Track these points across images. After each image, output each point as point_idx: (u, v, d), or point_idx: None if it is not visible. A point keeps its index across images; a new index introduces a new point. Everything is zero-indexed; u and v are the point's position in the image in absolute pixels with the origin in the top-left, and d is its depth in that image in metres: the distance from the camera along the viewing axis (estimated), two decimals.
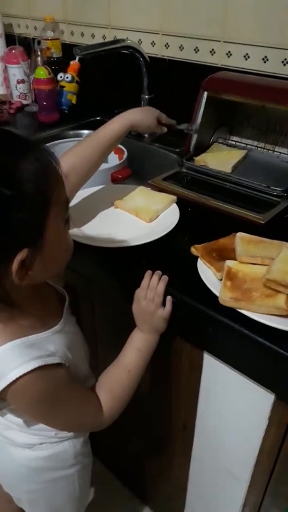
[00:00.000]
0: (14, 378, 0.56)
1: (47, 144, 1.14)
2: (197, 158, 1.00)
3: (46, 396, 0.62)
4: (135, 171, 1.10)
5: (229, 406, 0.77)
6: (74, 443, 0.78)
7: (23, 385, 0.57)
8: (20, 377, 0.56)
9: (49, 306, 0.69)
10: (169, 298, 0.70)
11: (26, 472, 0.76)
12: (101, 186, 0.98)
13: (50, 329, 0.63)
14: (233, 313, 0.63)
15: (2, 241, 0.51)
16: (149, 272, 0.72)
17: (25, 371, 0.56)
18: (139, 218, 0.88)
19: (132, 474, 1.25)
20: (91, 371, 0.78)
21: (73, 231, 0.82)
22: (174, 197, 0.89)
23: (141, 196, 0.93)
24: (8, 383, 0.56)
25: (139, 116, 0.88)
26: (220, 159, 0.99)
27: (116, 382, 0.71)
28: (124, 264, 0.77)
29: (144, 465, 1.15)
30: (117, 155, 1.18)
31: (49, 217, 0.54)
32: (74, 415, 0.68)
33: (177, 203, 0.89)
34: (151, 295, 0.70)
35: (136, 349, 0.72)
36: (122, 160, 1.09)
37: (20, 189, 0.50)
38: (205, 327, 0.67)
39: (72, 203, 0.87)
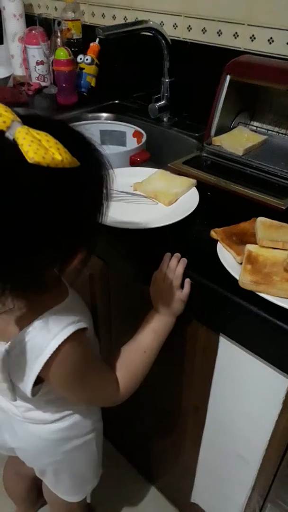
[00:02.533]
0: (56, 346, 0.57)
1: None
2: (214, 138, 0.99)
3: (80, 365, 0.63)
4: (154, 155, 1.10)
5: (243, 390, 0.78)
6: (90, 411, 0.81)
7: (63, 353, 0.58)
8: (61, 344, 0.57)
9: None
10: (187, 280, 0.71)
11: (50, 445, 0.78)
12: (119, 169, 0.98)
13: (67, 297, 0.64)
14: (252, 296, 0.63)
15: (72, 240, 0.53)
16: (167, 254, 0.72)
17: (64, 337, 0.58)
18: (158, 201, 0.88)
19: (141, 455, 1.27)
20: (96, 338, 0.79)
21: None
22: (194, 181, 0.89)
23: (161, 179, 0.92)
24: (51, 352, 0.57)
25: None
26: (236, 141, 0.98)
27: (132, 361, 0.72)
28: (142, 247, 0.77)
29: (154, 447, 1.17)
30: (135, 138, 1.17)
31: (101, 219, 0.56)
32: (96, 389, 0.70)
33: (196, 187, 0.89)
34: (169, 277, 0.70)
35: (152, 330, 0.73)
36: (141, 144, 1.08)
37: (95, 192, 0.53)
38: (223, 310, 0.67)
39: None
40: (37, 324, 0.58)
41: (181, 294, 0.71)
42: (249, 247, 0.69)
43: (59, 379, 0.64)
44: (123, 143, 1.22)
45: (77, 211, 0.50)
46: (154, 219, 0.81)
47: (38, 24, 1.43)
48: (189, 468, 1.05)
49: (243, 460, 0.87)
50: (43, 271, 0.53)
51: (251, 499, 0.92)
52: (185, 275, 0.70)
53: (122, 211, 0.85)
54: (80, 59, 1.38)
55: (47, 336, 0.58)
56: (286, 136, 1.02)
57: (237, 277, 0.65)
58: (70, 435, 0.79)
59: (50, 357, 0.58)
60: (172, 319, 0.74)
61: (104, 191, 0.54)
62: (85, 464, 0.88)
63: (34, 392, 0.63)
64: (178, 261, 0.71)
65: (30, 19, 1.49)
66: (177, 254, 0.72)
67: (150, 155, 1.08)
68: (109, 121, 1.26)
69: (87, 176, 0.51)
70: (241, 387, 0.77)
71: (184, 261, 0.71)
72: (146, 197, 0.89)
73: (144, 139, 1.10)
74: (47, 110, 1.37)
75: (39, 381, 0.62)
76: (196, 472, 1.05)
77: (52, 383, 0.64)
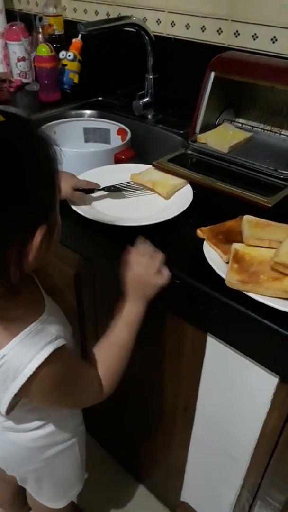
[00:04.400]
0: (33, 370, 0.55)
1: (48, 124, 1.13)
2: (199, 135, 0.98)
3: (62, 380, 0.62)
4: (139, 153, 1.09)
5: (231, 389, 0.77)
6: (71, 415, 0.80)
7: (42, 374, 0.56)
8: (39, 367, 0.55)
9: (31, 288, 0.67)
10: (164, 265, 0.69)
11: (31, 452, 0.77)
12: (113, 165, 0.97)
13: (43, 313, 0.61)
14: (239, 296, 0.63)
15: (27, 215, 0.50)
16: (141, 238, 0.70)
17: (42, 360, 0.55)
18: (156, 190, 0.87)
19: (130, 455, 1.26)
20: (76, 345, 0.78)
21: (84, 209, 0.82)
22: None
23: (156, 172, 0.91)
24: (28, 376, 0.55)
25: None
26: (221, 138, 0.98)
27: (110, 357, 0.71)
28: (126, 245, 0.76)
29: (143, 446, 1.16)
30: (120, 136, 1.16)
31: (56, 193, 0.55)
32: (81, 392, 0.69)
33: None
34: (146, 261, 0.68)
35: (127, 324, 0.71)
36: (125, 141, 1.07)
37: (38, 163, 0.51)
38: (210, 309, 0.67)
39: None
40: (12, 346, 0.56)
41: (161, 280, 0.68)
42: (236, 245, 0.69)
43: (40, 398, 0.63)
44: (107, 141, 1.21)
45: (17, 183, 0.48)
46: (144, 217, 0.80)
47: (19, 19, 1.41)
48: (178, 467, 1.04)
49: (232, 458, 0.87)
50: (4, 263, 0.51)
51: (240, 497, 0.92)
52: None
53: (111, 206, 0.85)
54: (63, 55, 1.36)
55: (23, 359, 0.55)
56: (271, 133, 1.02)
57: (224, 276, 0.65)
58: (51, 441, 0.77)
59: (27, 381, 0.56)
60: (144, 306, 0.71)
61: (49, 158, 0.52)
62: (67, 469, 0.86)
63: (10, 409, 0.61)
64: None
65: (11, 15, 1.46)
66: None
67: (135, 153, 1.06)
68: (92, 118, 1.24)
69: (22, 145, 0.49)
70: (230, 387, 0.77)
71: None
72: (142, 189, 0.89)
73: (128, 137, 1.09)
74: (29, 107, 1.35)
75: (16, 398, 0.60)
76: (186, 471, 1.04)
77: (33, 399, 0.63)
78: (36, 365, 0.55)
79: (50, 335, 0.58)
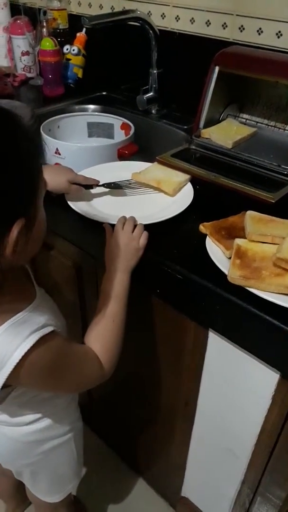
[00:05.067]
0: (19, 358, 0.55)
1: (52, 119, 1.12)
2: (203, 130, 0.98)
3: (52, 366, 0.61)
4: (142, 148, 1.08)
5: (232, 385, 0.77)
6: (68, 411, 0.79)
7: (29, 362, 0.56)
8: (25, 355, 0.55)
9: (21, 280, 0.67)
10: (145, 232, 0.73)
11: (25, 447, 0.77)
12: (113, 163, 0.97)
13: (33, 302, 0.61)
14: (241, 292, 0.62)
15: (1, 208, 0.50)
16: (122, 217, 0.75)
17: (28, 347, 0.55)
18: (161, 188, 0.86)
19: (131, 450, 1.27)
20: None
21: (85, 208, 0.81)
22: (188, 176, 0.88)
23: (159, 169, 0.91)
24: (14, 365, 0.55)
25: (47, 176, 0.85)
26: (225, 134, 0.97)
27: (104, 333, 0.71)
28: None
29: (144, 442, 1.17)
30: (123, 131, 1.15)
31: (40, 182, 0.54)
32: (80, 374, 0.67)
33: None
34: (128, 228, 0.73)
35: (115, 296, 0.71)
36: (129, 136, 1.07)
37: (16, 156, 0.50)
38: (212, 305, 0.67)
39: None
40: None
41: (139, 248, 0.72)
42: (238, 241, 0.68)
43: (35, 385, 0.63)
44: (111, 136, 1.20)
45: None
46: (148, 215, 0.79)
47: (23, 13, 1.40)
48: (179, 462, 1.05)
49: (233, 454, 0.87)
50: None
51: (241, 493, 0.93)
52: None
53: (115, 204, 0.84)
54: (67, 49, 1.35)
55: (9, 347, 0.55)
56: (275, 128, 1.01)
57: (226, 272, 0.64)
58: (46, 436, 0.77)
59: (14, 369, 0.55)
60: (128, 276, 0.72)
61: (29, 152, 0.52)
62: (64, 464, 0.86)
63: (2, 398, 0.61)
64: (134, 226, 0.73)
65: (15, 8, 1.46)
66: (132, 217, 0.75)
67: (138, 148, 1.06)
68: (96, 113, 1.24)
69: None
70: (231, 382, 0.77)
71: (141, 225, 0.73)
72: (146, 187, 0.88)
73: (132, 132, 1.08)
74: (33, 101, 1.34)
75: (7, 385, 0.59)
76: (187, 466, 1.05)
77: (28, 387, 0.63)
78: (22, 353, 0.55)
79: (37, 324, 0.58)
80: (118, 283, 0.71)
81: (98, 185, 0.85)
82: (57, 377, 0.64)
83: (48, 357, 0.60)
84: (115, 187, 0.87)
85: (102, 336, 0.70)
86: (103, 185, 0.86)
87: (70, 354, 0.65)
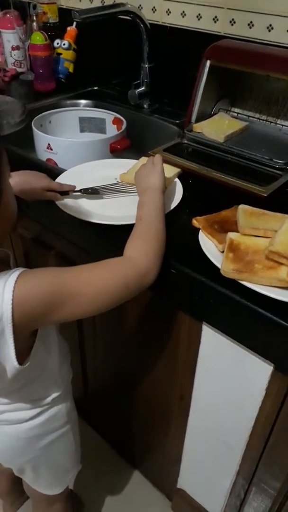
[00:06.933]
0: (11, 294, 0.52)
1: (43, 114, 1.12)
2: (195, 125, 0.98)
3: (53, 285, 0.57)
4: (134, 142, 1.08)
5: (226, 378, 0.78)
6: (65, 403, 0.80)
7: (25, 294, 0.53)
8: (13, 289, 0.53)
9: None
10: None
11: (26, 443, 0.78)
12: (98, 161, 0.95)
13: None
14: (234, 285, 0.63)
15: None
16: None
17: (13, 282, 0.53)
18: None
19: (127, 443, 1.27)
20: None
21: (74, 207, 0.80)
22: (179, 169, 0.87)
23: None
24: (11, 304, 0.52)
25: (20, 180, 0.75)
26: (217, 128, 0.97)
27: (135, 233, 0.68)
28: (123, 238, 0.76)
29: (139, 434, 1.18)
30: (115, 126, 1.15)
31: (3, 164, 0.54)
32: (99, 278, 0.62)
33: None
34: (149, 162, 0.78)
35: (141, 202, 0.72)
36: (121, 131, 1.07)
37: None
38: (205, 298, 0.67)
39: (72, 179, 0.85)
40: None
41: (154, 165, 0.76)
42: (231, 235, 0.69)
43: (50, 318, 0.58)
44: (103, 131, 1.20)
45: None
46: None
47: (13, 7, 1.39)
48: (175, 455, 1.05)
49: (228, 446, 0.88)
50: None
51: (236, 484, 0.94)
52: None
53: (106, 205, 0.83)
54: (57, 44, 1.34)
55: None
56: (267, 122, 1.01)
57: (219, 265, 0.65)
58: (46, 430, 0.78)
59: (14, 309, 0.53)
60: (157, 193, 0.73)
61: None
62: (63, 456, 0.88)
63: (20, 356, 0.58)
64: None
65: (4, 2, 1.44)
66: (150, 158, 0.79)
67: (131, 143, 1.06)
68: (88, 108, 1.23)
69: None
70: (225, 375, 0.78)
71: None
72: (123, 189, 0.86)
73: (124, 126, 1.08)
74: (24, 97, 1.34)
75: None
76: (182, 459, 1.05)
77: (50, 320, 0.58)
78: (12, 288, 0.53)
79: (15, 269, 0.56)
80: (145, 195, 0.73)
81: (74, 191, 0.82)
82: (68, 295, 0.57)
83: (44, 278, 0.57)
84: (92, 193, 0.83)
85: (134, 236, 0.68)
86: (79, 191, 0.83)
87: (65, 269, 0.61)
